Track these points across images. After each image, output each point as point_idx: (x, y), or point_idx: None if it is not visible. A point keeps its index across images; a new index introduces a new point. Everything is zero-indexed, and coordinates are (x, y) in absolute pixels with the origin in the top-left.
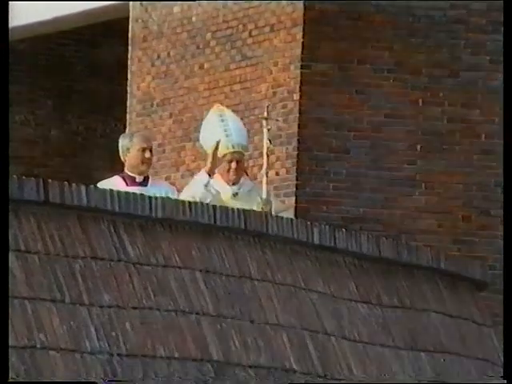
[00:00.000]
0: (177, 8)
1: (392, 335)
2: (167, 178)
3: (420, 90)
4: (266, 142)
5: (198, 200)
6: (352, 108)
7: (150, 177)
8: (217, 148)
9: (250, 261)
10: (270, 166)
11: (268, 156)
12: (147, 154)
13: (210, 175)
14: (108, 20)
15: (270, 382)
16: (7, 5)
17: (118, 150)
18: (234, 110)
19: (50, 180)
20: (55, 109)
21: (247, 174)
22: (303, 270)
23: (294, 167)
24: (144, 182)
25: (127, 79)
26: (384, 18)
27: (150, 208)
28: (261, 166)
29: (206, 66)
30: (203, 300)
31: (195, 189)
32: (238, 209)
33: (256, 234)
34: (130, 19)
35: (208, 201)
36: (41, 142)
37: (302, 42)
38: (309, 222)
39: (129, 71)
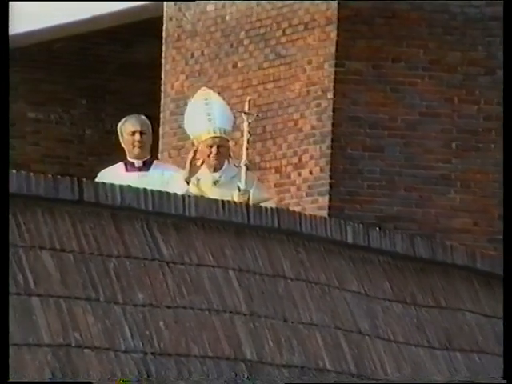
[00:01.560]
0: (211, 7)
1: (427, 335)
2: None
3: (455, 87)
4: (246, 135)
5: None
6: (386, 106)
7: (156, 161)
8: (194, 156)
9: (284, 259)
10: (249, 158)
11: (247, 148)
12: (137, 137)
13: (188, 183)
14: (142, 19)
15: (303, 382)
16: (7, 5)
17: (152, 148)
18: (267, 109)
19: (84, 179)
20: (90, 108)
21: (229, 161)
22: (337, 268)
23: (328, 166)
24: (145, 167)
25: (161, 78)
26: (419, 16)
27: (184, 207)
28: (295, 165)
29: (239, 64)
30: (236, 299)
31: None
32: (271, 208)
33: (289, 232)
34: (164, 18)
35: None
36: (75, 142)
37: (336, 41)
38: (342, 221)
39: (163, 70)
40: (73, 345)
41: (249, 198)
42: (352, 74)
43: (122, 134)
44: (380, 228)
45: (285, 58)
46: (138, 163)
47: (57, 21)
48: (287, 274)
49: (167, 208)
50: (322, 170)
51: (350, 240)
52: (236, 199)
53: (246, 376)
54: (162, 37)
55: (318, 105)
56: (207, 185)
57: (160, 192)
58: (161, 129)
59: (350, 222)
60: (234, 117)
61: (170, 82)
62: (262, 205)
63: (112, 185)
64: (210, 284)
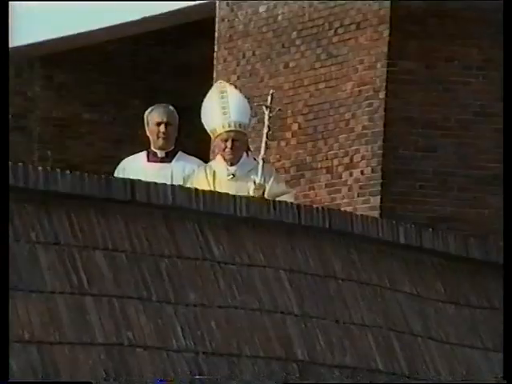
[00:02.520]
0: (263, 7)
1: (481, 336)
2: None
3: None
4: (265, 129)
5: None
6: (439, 106)
7: (180, 153)
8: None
9: (335, 260)
10: (267, 152)
11: (266, 143)
12: (162, 128)
13: None
14: (194, 20)
15: (354, 382)
16: (7, 5)
17: (203, 148)
18: (318, 109)
19: (136, 179)
20: (142, 109)
21: (247, 154)
22: (389, 269)
23: (380, 166)
24: (167, 158)
25: (213, 79)
26: (472, 15)
27: (235, 207)
28: (346, 166)
29: (291, 64)
30: (288, 299)
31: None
32: (322, 208)
33: (341, 233)
34: (217, 19)
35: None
36: (128, 142)
37: (389, 40)
38: (394, 222)
39: (214, 70)
40: (125, 344)
41: (264, 192)
42: (404, 74)
43: (147, 123)
44: (433, 229)
45: (336, 58)
46: (160, 153)
47: (109, 22)
48: (338, 275)
49: (218, 208)
50: (373, 171)
51: (402, 241)
52: (251, 193)
53: (297, 376)
54: (213, 37)
55: (370, 105)
56: (223, 178)
57: (211, 192)
58: None
59: (402, 223)
60: (251, 109)
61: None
62: (280, 198)
63: (164, 185)
64: (261, 284)
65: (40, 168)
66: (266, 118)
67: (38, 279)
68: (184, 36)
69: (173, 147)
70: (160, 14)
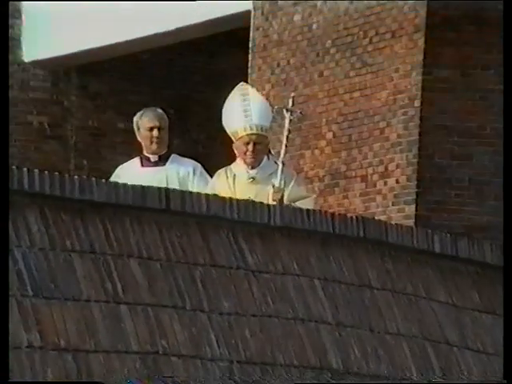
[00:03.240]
0: (297, 16)
1: None
2: None
3: None
4: (285, 132)
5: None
6: (475, 114)
7: (173, 155)
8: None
9: (370, 269)
10: (286, 155)
11: (286, 146)
12: (155, 133)
13: None
14: (228, 30)
15: None
16: (7, 5)
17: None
18: (353, 118)
19: (171, 188)
20: (176, 118)
21: (268, 157)
22: (424, 278)
23: (415, 175)
24: (161, 162)
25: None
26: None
27: (269, 216)
28: (381, 174)
29: (325, 73)
30: (322, 308)
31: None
32: (356, 216)
33: (375, 242)
34: (251, 28)
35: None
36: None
37: (424, 48)
38: (429, 230)
39: (248, 80)
40: (160, 352)
41: (283, 196)
42: (440, 82)
43: (138, 129)
44: (468, 237)
45: (371, 67)
46: (153, 158)
47: (144, 33)
48: (373, 284)
49: (253, 217)
50: (408, 179)
51: (437, 250)
52: (270, 197)
53: None
54: (247, 47)
55: (405, 113)
56: (243, 181)
57: (246, 201)
58: None
59: (438, 232)
60: (273, 112)
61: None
62: (300, 203)
63: (198, 194)
64: (295, 293)
65: (76, 177)
66: (287, 121)
67: (73, 287)
68: (218, 45)
69: (165, 150)
70: (194, 24)
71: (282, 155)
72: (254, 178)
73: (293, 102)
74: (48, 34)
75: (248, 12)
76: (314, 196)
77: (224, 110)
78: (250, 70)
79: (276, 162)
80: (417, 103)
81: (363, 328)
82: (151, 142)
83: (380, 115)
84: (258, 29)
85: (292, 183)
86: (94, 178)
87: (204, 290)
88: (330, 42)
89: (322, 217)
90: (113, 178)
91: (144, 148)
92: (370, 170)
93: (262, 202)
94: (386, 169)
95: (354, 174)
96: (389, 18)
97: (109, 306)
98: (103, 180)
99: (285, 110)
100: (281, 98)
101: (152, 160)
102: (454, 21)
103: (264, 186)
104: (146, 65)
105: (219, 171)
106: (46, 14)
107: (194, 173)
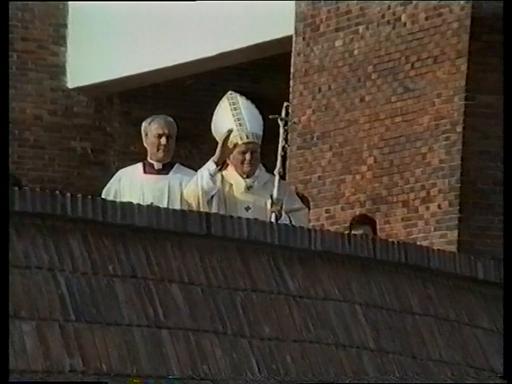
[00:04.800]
0: (339, 42)
1: None
2: (327, 211)
3: None
4: (281, 142)
5: (200, 191)
6: None
7: (177, 165)
8: (228, 137)
9: (411, 295)
10: (283, 166)
11: (282, 157)
12: (163, 141)
13: (217, 165)
14: (270, 55)
15: None
16: (7, 5)
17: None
18: (394, 143)
19: (212, 213)
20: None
21: (260, 167)
22: (467, 305)
23: (457, 200)
24: (164, 170)
25: (288, 113)
26: None
27: (309, 240)
28: (423, 199)
29: (366, 98)
30: (363, 334)
31: (200, 178)
32: (398, 242)
33: (417, 267)
34: (293, 54)
35: (213, 193)
36: None
37: (467, 73)
38: (472, 256)
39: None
40: (201, 377)
41: (282, 207)
42: (483, 108)
43: (146, 134)
44: None
45: (413, 92)
46: (157, 165)
47: (186, 58)
48: (415, 310)
49: (293, 242)
50: (450, 204)
51: (480, 276)
52: (269, 208)
53: None
54: (289, 72)
55: (447, 138)
56: (240, 190)
57: (286, 226)
58: (287, 163)
59: (481, 258)
60: (264, 121)
61: (297, 117)
62: (295, 216)
63: (239, 218)
64: (336, 318)
65: (118, 202)
66: (281, 131)
67: (115, 312)
68: (261, 71)
69: (170, 159)
70: (237, 49)
71: (278, 166)
72: (251, 187)
73: (286, 111)
74: (91, 60)
75: (290, 37)
76: (307, 210)
77: (215, 121)
78: (291, 96)
79: (267, 171)
80: (459, 128)
81: (405, 354)
82: (158, 149)
83: (422, 140)
84: (299, 54)
85: (287, 194)
86: (135, 203)
87: (245, 314)
88: (371, 67)
89: (363, 242)
90: (113, 182)
91: (149, 155)
92: (411, 196)
93: (302, 227)
94: (428, 194)
95: (395, 199)
96: (431, 43)
97: (150, 331)
98: (144, 204)
99: (279, 120)
100: (322, 124)
101: (156, 167)
102: (497, 46)
103: (260, 195)
104: (189, 90)
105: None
106: (90, 40)
107: None
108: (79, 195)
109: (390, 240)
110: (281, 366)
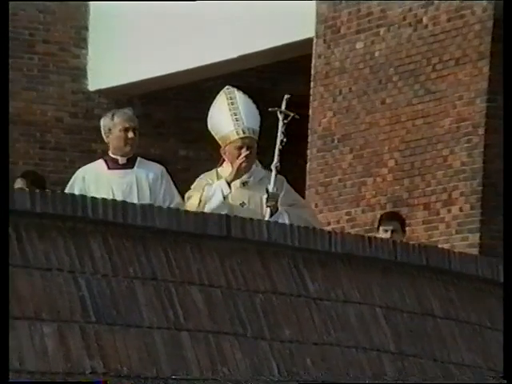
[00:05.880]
0: (360, 44)
1: None
2: (347, 214)
3: None
4: (279, 136)
5: (210, 210)
6: None
7: (139, 158)
8: (245, 161)
9: (432, 298)
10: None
11: (280, 151)
12: (130, 134)
13: (229, 186)
14: (291, 57)
15: None
16: (7, 5)
17: (299, 184)
18: (416, 145)
19: (232, 215)
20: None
21: (256, 163)
22: (488, 308)
23: (479, 203)
24: (128, 165)
25: (308, 115)
26: None
27: (330, 243)
28: (444, 202)
29: (387, 101)
30: (384, 337)
31: (213, 200)
32: (419, 244)
33: (438, 270)
34: (313, 56)
35: (224, 212)
36: None
37: (489, 75)
38: (494, 259)
39: (310, 107)
40: (221, 379)
41: (277, 202)
42: None
43: (109, 129)
44: None
45: (434, 94)
46: (122, 160)
47: (206, 61)
48: (436, 313)
49: (313, 244)
50: (472, 207)
51: (502, 279)
52: (264, 202)
53: None
54: (309, 74)
55: (469, 141)
56: (235, 186)
57: (306, 228)
58: (308, 165)
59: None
60: (261, 115)
61: (318, 119)
62: (295, 212)
63: (259, 221)
64: (356, 321)
65: (138, 204)
66: (280, 124)
67: (135, 314)
68: (281, 73)
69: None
70: (257, 52)
71: (275, 160)
72: (247, 182)
73: (286, 103)
74: (112, 63)
75: (310, 40)
76: (312, 210)
77: (211, 116)
78: (311, 98)
79: (264, 167)
80: (481, 131)
81: (426, 358)
82: (125, 144)
83: (443, 143)
84: (319, 56)
85: (284, 188)
86: (155, 206)
87: (265, 317)
88: (392, 69)
89: (383, 244)
90: (74, 181)
91: (113, 149)
92: (432, 198)
93: (322, 229)
94: (450, 197)
95: (416, 202)
96: (452, 45)
97: (170, 333)
98: (164, 207)
99: (278, 113)
100: (342, 126)
101: (120, 162)
102: None
103: (256, 190)
104: (209, 92)
105: (202, 177)
106: (111, 43)
107: (162, 177)
108: (99, 197)
109: (411, 243)
110: (301, 369)
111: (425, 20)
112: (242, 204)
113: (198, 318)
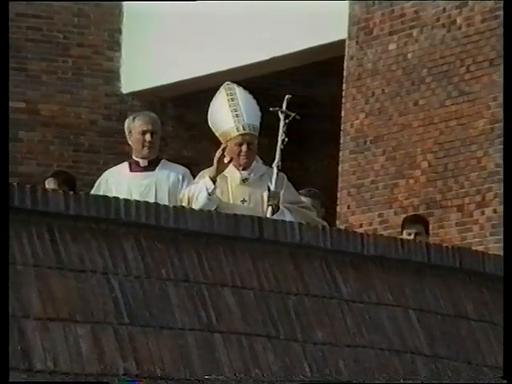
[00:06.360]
0: (392, 45)
1: None
2: (380, 215)
3: None
4: (280, 135)
5: (198, 207)
6: None
7: (163, 161)
8: (223, 154)
9: (466, 300)
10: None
11: (281, 150)
12: (148, 137)
13: (214, 182)
14: (323, 59)
15: None
16: (7, 5)
17: (331, 186)
18: (449, 147)
19: (264, 217)
20: (269, 147)
21: (257, 159)
22: None
23: None
24: (150, 167)
25: (340, 117)
26: None
27: (362, 245)
28: (478, 204)
29: (420, 102)
30: (417, 339)
31: (199, 198)
32: (452, 246)
33: (472, 272)
34: (346, 58)
35: (213, 208)
36: None
37: None
38: None
39: (342, 109)
40: (254, 381)
41: (279, 201)
42: None
43: (130, 132)
44: None
45: (468, 95)
46: (143, 163)
47: (238, 63)
48: (470, 315)
49: (346, 246)
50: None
51: None
52: (265, 201)
53: None
54: (341, 76)
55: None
56: (235, 183)
57: (339, 230)
58: (340, 167)
59: None
60: (261, 112)
61: (350, 121)
62: (305, 210)
63: (291, 223)
64: (389, 324)
65: (171, 206)
66: (282, 123)
67: (168, 316)
68: (313, 75)
69: (156, 156)
70: (290, 54)
71: (276, 158)
72: (246, 179)
73: (287, 103)
74: (145, 65)
75: (343, 41)
76: (315, 212)
77: (211, 111)
78: (343, 100)
79: (264, 164)
80: None
81: (460, 360)
82: (143, 147)
83: (477, 144)
84: (352, 58)
85: (284, 185)
86: (188, 208)
87: (297, 319)
88: (425, 70)
89: (416, 247)
90: (100, 183)
91: (134, 152)
92: (466, 200)
93: (355, 231)
94: (484, 198)
95: (449, 204)
96: (487, 46)
97: (203, 335)
98: (196, 209)
99: (279, 112)
100: (375, 128)
101: (141, 165)
102: None
103: (256, 187)
104: None
105: (203, 172)
106: (144, 45)
107: (183, 179)
108: (133, 200)
109: (445, 245)
110: (333, 371)
111: (459, 21)
112: (243, 201)
113: (230, 319)
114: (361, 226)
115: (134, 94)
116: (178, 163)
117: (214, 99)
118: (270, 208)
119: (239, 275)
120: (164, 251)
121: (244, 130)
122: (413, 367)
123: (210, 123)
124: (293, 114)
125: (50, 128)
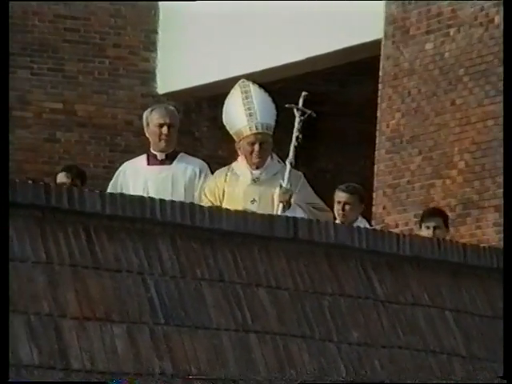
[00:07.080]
0: (429, 45)
1: None
2: (416, 216)
3: None
4: (295, 132)
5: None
6: None
7: (181, 154)
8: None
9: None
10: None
11: (296, 147)
12: (164, 130)
13: None
14: (358, 59)
15: None
16: (7, 5)
17: (367, 186)
18: (486, 147)
19: (299, 218)
20: (303, 147)
21: (272, 157)
22: None
23: None
24: (167, 160)
25: (376, 117)
26: None
27: (398, 245)
28: None
29: (457, 102)
30: (454, 340)
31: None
32: (489, 247)
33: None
34: (382, 57)
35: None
36: None
37: None
38: None
39: (378, 109)
40: (289, 381)
41: (290, 198)
42: None
43: (148, 124)
44: None
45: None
46: (160, 156)
47: (274, 63)
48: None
49: (381, 247)
50: None
51: None
52: (276, 198)
53: None
54: (377, 76)
55: None
56: (246, 183)
57: (374, 230)
58: (375, 167)
59: None
60: (277, 110)
61: (386, 121)
62: (316, 211)
63: (326, 223)
64: (425, 324)
65: (206, 206)
66: (297, 120)
67: (203, 315)
68: (349, 75)
69: (173, 149)
70: (325, 54)
71: (290, 156)
72: (258, 179)
73: (304, 101)
74: (181, 66)
75: (379, 41)
76: (331, 214)
77: (225, 109)
78: (379, 100)
79: (279, 162)
80: None
81: (498, 361)
82: (160, 139)
83: None
84: (388, 58)
85: (300, 184)
86: (223, 208)
87: (332, 319)
88: (462, 70)
89: (453, 247)
90: (118, 174)
91: (152, 145)
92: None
93: (390, 232)
94: None
95: (486, 204)
96: None
97: (238, 335)
98: (232, 210)
99: (295, 110)
100: (411, 127)
101: (159, 158)
102: None
103: (268, 186)
104: (276, 94)
105: (218, 172)
106: (180, 46)
107: (201, 173)
108: (168, 200)
109: (482, 245)
110: (369, 372)
111: (497, 20)
112: (253, 201)
113: (265, 319)
114: (397, 226)
115: (170, 95)
116: (214, 163)
117: (229, 97)
118: (281, 204)
119: (274, 275)
120: (199, 251)
121: (257, 129)
122: (449, 368)
123: (224, 121)
124: (309, 112)
125: (87, 128)
